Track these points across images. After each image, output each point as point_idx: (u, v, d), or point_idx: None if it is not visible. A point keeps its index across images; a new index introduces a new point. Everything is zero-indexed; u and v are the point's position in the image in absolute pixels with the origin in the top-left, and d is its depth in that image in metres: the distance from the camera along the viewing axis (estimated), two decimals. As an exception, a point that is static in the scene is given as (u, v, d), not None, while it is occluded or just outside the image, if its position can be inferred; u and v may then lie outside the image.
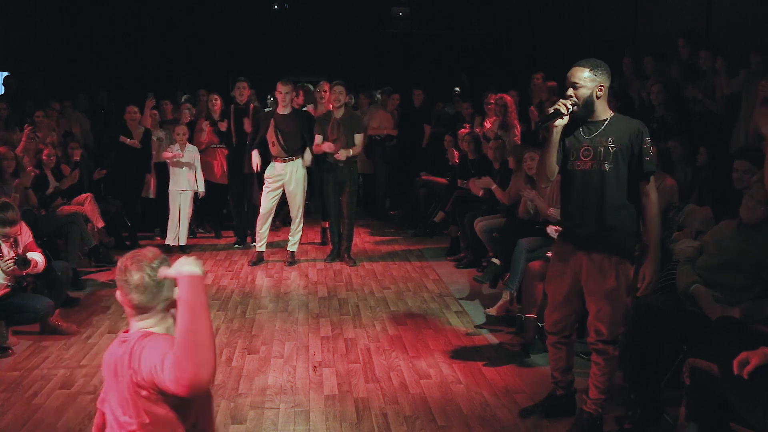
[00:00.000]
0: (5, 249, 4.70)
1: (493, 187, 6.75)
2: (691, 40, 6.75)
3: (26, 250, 4.81)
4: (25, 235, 4.90)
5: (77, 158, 7.53)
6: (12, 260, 4.62)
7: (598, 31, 9.93)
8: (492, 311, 5.38)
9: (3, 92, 9.21)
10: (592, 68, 3.24)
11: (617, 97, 7.00)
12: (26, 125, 6.81)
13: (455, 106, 10.27)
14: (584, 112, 3.26)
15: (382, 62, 14.00)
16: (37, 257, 4.77)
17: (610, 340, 3.34)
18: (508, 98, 7.85)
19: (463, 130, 8.43)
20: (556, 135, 3.29)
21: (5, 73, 9.54)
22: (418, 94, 9.92)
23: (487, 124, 8.20)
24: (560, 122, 3.26)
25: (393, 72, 13.38)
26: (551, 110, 3.27)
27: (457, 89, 11.14)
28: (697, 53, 6.49)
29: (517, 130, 7.72)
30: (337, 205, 7.22)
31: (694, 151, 5.58)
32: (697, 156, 5.48)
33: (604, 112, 3.29)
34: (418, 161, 9.68)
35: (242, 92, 7.81)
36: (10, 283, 4.70)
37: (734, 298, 3.46)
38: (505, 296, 5.34)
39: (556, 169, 3.37)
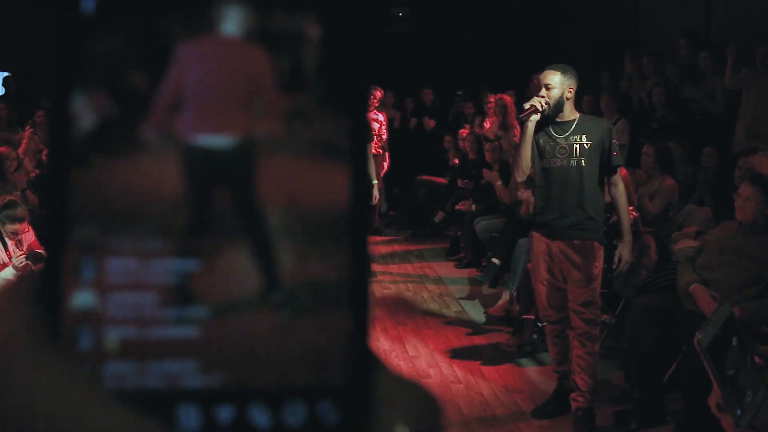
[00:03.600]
0: (11, 247, 4.72)
1: (498, 183, 6.75)
2: (692, 41, 6.77)
3: (30, 249, 4.82)
4: (29, 234, 4.92)
5: None
6: (24, 255, 4.64)
7: (598, 31, 9.95)
8: (492, 311, 5.39)
9: (3, 92, 9.22)
10: (563, 72, 3.57)
11: (617, 97, 7.02)
12: (28, 126, 6.82)
13: (456, 107, 10.28)
14: (554, 111, 3.55)
15: (382, 62, 14.01)
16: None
17: (598, 321, 3.60)
18: (507, 98, 7.85)
19: (463, 130, 8.43)
20: (531, 130, 3.60)
21: (5, 73, 9.55)
22: (428, 93, 9.92)
23: (487, 124, 8.20)
24: (534, 118, 3.56)
25: (393, 72, 13.39)
26: (527, 106, 3.58)
27: (460, 92, 11.18)
28: (697, 53, 6.51)
29: (517, 130, 7.70)
30: None
31: (694, 151, 5.59)
32: (702, 157, 5.49)
33: (571, 112, 3.59)
34: (429, 161, 9.66)
35: None
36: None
37: (732, 298, 3.47)
38: (505, 296, 5.35)
39: (530, 163, 3.64)
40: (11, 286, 0.24)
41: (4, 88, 9.33)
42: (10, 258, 4.66)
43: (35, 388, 0.21)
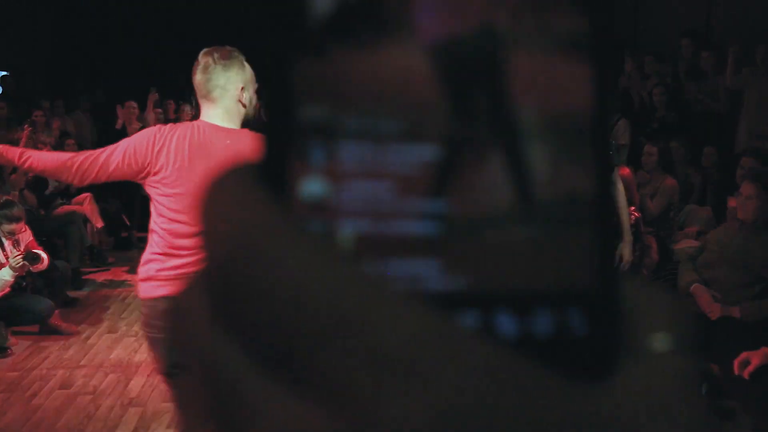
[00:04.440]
0: (8, 247, 4.71)
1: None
2: (695, 40, 6.76)
3: (27, 249, 4.81)
4: (26, 234, 4.91)
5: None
6: (21, 255, 4.63)
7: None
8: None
9: (1, 92, 9.23)
10: None
11: (617, 97, 7.00)
12: (26, 125, 6.82)
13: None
14: None
15: None
16: (43, 254, 4.81)
17: None
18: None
19: None
20: None
21: (4, 73, 9.56)
22: None
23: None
24: None
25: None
26: None
27: None
28: (699, 53, 6.50)
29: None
30: None
31: (695, 151, 5.58)
32: (702, 156, 5.48)
33: None
34: None
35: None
36: (15, 281, 4.71)
37: (733, 297, 3.46)
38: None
39: None
40: (234, 166, 0.21)
41: (2, 88, 9.33)
42: (7, 258, 4.65)
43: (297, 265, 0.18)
